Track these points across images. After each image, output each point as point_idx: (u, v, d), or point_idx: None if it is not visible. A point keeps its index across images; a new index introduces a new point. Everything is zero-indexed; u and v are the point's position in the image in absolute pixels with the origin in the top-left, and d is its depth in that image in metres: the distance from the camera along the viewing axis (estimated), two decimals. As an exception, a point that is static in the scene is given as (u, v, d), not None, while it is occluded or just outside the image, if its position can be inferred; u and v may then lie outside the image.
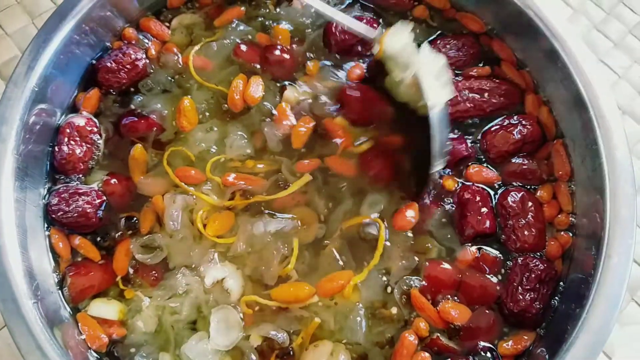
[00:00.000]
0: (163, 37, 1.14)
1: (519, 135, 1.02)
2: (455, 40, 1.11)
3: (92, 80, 1.08)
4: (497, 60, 1.12)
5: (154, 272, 0.98)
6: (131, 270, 0.98)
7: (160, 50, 1.13)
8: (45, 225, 0.99)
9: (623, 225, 0.87)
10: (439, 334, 0.93)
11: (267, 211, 1.01)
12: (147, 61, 1.11)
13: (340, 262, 0.97)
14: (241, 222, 0.99)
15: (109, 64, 1.07)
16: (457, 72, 1.10)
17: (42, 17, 1.33)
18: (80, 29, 1.02)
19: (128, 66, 1.08)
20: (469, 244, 0.98)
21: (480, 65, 1.11)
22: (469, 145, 1.04)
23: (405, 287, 0.95)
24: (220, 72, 1.10)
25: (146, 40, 1.14)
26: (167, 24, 1.15)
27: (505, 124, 1.04)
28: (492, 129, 1.04)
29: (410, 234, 0.99)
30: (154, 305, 0.95)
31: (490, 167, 1.04)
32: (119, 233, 1.01)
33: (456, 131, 1.05)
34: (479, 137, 1.05)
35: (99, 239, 1.00)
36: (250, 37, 1.14)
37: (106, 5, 1.06)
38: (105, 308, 0.95)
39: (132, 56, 1.08)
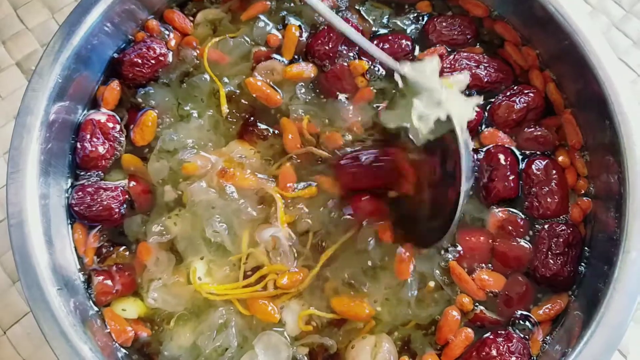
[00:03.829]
0: (185, 31, 1.14)
1: (523, 104, 1.04)
2: (452, 20, 1.12)
3: (114, 73, 1.09)
4: (495, 45, 1.12)
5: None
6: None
7: (180, 43, 1.13)
8: (69, 221, 1.01)
9: (643, 221, 0.87)
10: (482, 308, 0.95)
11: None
12: (170, 57, 1.11)
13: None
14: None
15: (134, 58, 1.07)
16: (448, 49, 1.11)
17: (63, 11, 1.34)
18: (104, 22, 1.03)
19: (152, 61, 1.08)
20: (494, 207, 1.00)
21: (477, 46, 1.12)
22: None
23: (443, 263, 0.98)
24: (233, 68, 1.11)
25: (167, 32, 1.13)
26: (191, 18, 1.15)
27: (507, 94, 1.06)
28: (496, 102, 1.06)
29: None
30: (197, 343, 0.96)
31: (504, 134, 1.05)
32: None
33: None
34: (486, 114, 1.06)
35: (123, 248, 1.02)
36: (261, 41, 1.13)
37: (131, -3, 1.06)
38: (126, 307, 0.98)
39: (157, 51, 1.09)
